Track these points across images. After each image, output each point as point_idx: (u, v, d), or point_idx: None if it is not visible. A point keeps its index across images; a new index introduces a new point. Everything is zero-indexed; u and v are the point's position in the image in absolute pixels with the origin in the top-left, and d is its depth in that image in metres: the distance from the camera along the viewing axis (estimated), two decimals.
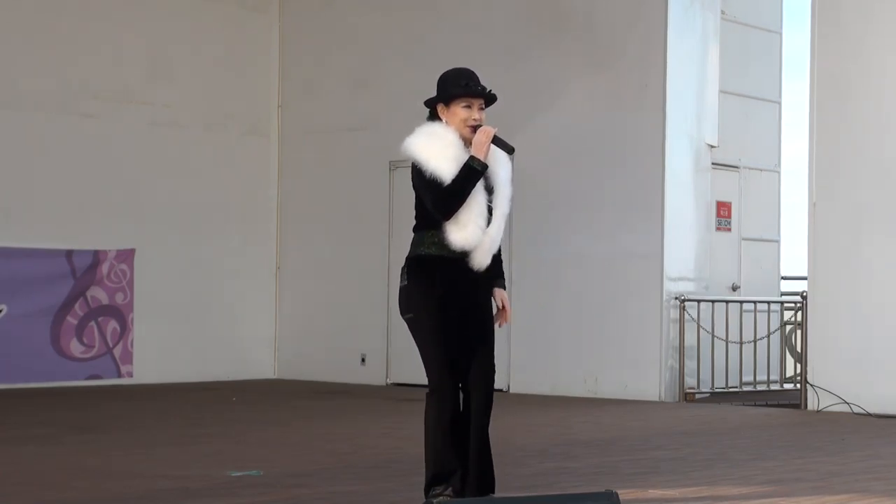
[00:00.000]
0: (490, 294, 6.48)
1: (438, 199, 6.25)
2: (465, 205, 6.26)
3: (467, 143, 6.37)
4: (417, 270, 6.35)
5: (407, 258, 6.41)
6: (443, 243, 6.29)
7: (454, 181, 6.23)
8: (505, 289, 6.57)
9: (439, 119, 6.43)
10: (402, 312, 6.42)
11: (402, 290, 6.40)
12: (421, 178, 6.29)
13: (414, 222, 6.44)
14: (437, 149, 6.30)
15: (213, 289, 15.98)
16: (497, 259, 6.47)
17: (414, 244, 6.40)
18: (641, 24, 14.02)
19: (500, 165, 6.44)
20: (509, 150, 6.42)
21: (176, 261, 15.61)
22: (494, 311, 6.49)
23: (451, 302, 6.30)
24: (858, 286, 12.57)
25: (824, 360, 12.73)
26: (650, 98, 13.91)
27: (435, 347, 6.29)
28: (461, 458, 6.33)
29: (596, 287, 14.13)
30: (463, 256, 6.30)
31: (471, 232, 6.28)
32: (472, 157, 6.28)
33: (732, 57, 15.06)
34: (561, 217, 14.35)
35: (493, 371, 6.45)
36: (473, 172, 6.26)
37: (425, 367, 6.34)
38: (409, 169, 6.40)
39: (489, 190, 6.38)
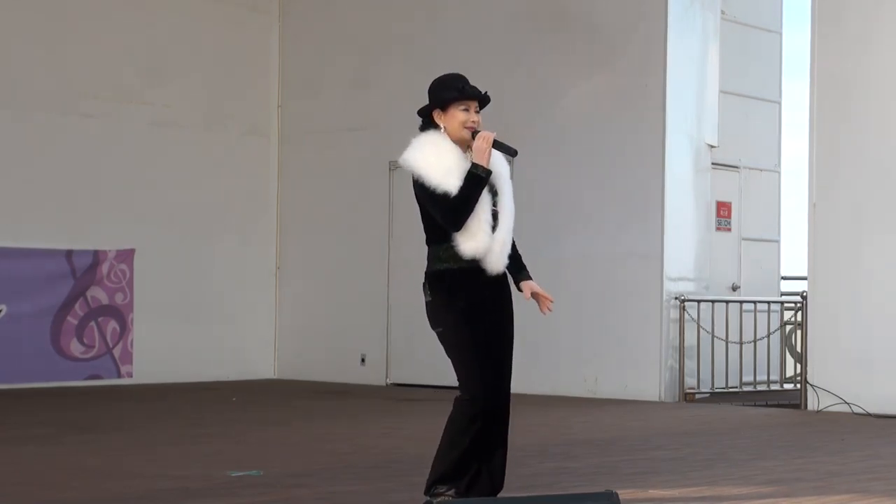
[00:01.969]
0: (511, 300, 6.49)
1: (447, 212, 6.22)
2: (472, 213, 6.25)
3: (464, 146, 6.34)
4: (438, 286, 6.34)
5: (426, 273, 6.39)
6: (457, 255, 6.28)
7: (460, 192, 6.19)
8: (531, 279, 6.56)
9: (434, 127, 6.38)
10: (432, 327, 6.44)
11: (427, 305, 6.40)
12: (425, 192, 6.26)
13: (424, 235, 6.41)
14: (436, 159, 6.26)
15: (213, 289, 15.97)
16: (514, 256, 6.47)
17: (430, 259, 6.37)
18: (641, 24, 14.01)
19: (499, 165, 6.41)
20: (512, 153, 6.36)
21: (176, 261, 15.60)
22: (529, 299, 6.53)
23: (475, 312, 6.32)
24: (858, 286, 12.56)
25: (824, 360, 12.72)
26: (650, 98, 13.90)
27: (464, 360, 6.33)
28: (475, 462, 6.37)
29: (596, 287, 14.12)
30: (478, 265, 6.30)
31: (480, 240, 6.26)
32: (474, 165, 6.24)
33: (732, 57, 15.05)
34: (561, 217, 14.34)
35: (510, 379, 6.50)
36: (478, 180, 6.22)
37: (458, 377, 6.38)
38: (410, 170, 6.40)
39: (493, 193, 6.35)
